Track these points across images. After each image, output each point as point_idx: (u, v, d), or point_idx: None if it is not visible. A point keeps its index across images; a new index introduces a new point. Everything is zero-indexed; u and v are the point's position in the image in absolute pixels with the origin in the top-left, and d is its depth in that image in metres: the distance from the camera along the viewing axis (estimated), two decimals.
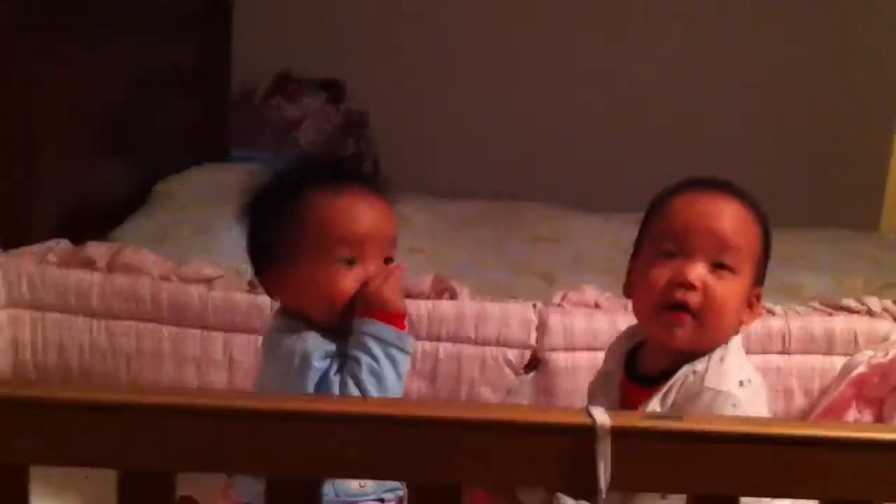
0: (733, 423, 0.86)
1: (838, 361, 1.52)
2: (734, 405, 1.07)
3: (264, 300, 1.48)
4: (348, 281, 1.13)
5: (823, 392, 1.51)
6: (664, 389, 1.12)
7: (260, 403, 0.80)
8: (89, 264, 1.49)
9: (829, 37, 3.55)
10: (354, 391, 1.07)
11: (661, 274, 1.14)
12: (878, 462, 0.78)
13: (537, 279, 2.30)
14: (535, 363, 1.53)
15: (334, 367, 1.10)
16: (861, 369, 1.45)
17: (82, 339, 1.48)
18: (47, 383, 1.33)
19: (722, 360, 1.12)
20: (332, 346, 1.11)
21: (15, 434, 0.74)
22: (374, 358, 1.08)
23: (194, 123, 3.11)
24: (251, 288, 1.51)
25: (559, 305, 1.56)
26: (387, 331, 1.11)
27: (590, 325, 1.53)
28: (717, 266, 1.13)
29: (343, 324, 1.13)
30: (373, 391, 1.07)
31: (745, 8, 3.52)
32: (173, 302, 1.49)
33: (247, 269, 1.32)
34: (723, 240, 1.13)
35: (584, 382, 1.39)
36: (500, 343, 1.53)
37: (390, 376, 1.09)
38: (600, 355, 1.43)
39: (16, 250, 1.50)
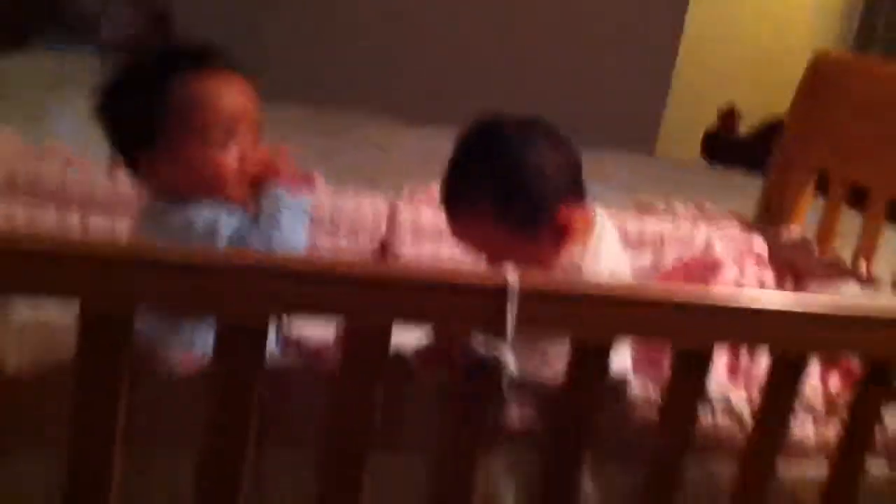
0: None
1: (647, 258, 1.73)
2: None
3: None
4: (228, 159, 1.19)
5: None
6: None
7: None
8: None
9: None
10: (277, 246, 1.14)
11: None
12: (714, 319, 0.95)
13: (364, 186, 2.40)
14: (384, 254, 1.65)
15: (245, 230, 1.15)
16: (668, 268, 1.67)
17: None
18: None
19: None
20: (230, 215, 1.17)
21: None
22: (288, 218, 1.16)
23: None
24: (109, 170, 1.53)
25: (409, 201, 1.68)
26: (296, 198, 1.19)
27: (437, 221, 1.65)
28: None
29: (227, 200, 1.19)
30: (295, 247, 1.15)
31: None
32: (31, 177, 1.48)
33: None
34: None
35: None
36: (353, 232, 1.63)
37: (301, 236, 1.17)
38: (445, 249, 1.57)
39: None
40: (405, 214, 1.65)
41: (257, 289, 0.83)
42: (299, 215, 1.17)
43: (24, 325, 1.04)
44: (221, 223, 1.14)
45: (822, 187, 1.85)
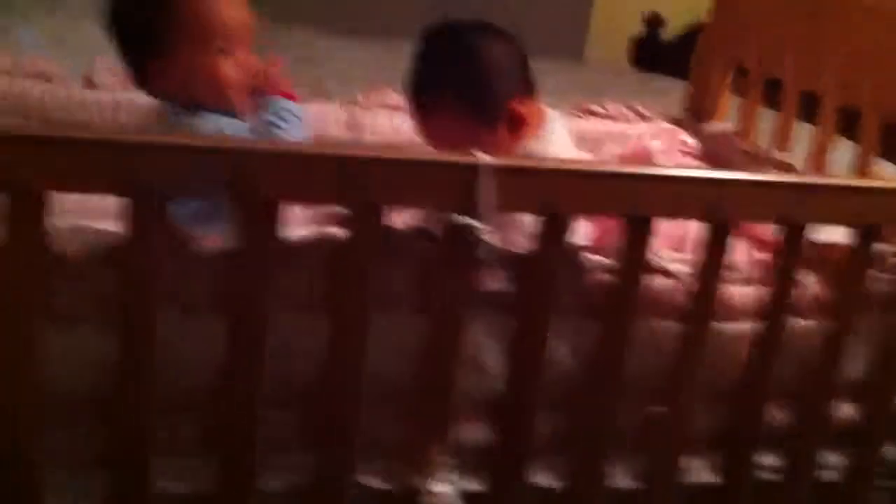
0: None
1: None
2: None
3: (101, 95, 1.61)
4: (229, 68, 1.31)
5: None
6: None
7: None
8: None
9: None
10: None
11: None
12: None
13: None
14: None
15: (249, 134, 1.28)
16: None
17: None
18: None
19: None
20: (238, 121, 1.30)
21: None
22: (289, 123, 1.29)
23: None
24: (88, 84, 1.62)
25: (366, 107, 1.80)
26: (296, 106, 1.33)
27: (395, 123, 1.79)
28: None
29: (229, 106, 1.31)
30: None
31: None
32: (16, 96, 1.57)
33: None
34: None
35: None
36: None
37: (301, 138, 1.30)
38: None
39: None
40: (364, 119, 1.77)
41: (268, 171, 0.97)
42: (295, 120, 1.30)
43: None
44: (225, 128, 1.27)
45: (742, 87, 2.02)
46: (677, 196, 1.11)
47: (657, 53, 4.27)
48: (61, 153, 0.90)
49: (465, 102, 1.39)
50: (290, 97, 1.35)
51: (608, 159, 1.81)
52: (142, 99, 1.59)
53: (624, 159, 1.81)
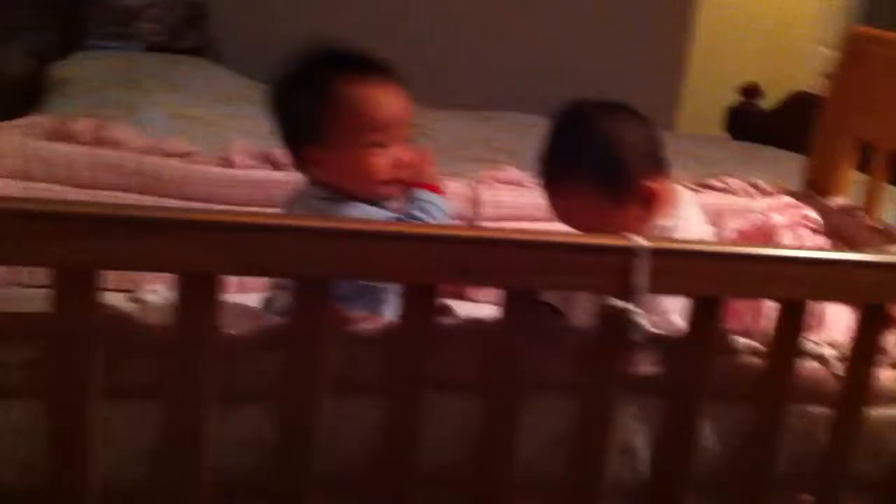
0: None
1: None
2: None
3: (238, 173, 1.66)
4: (382, 161, 1.34)
5: None
6: None
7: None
8: (74, 137, 1.59)
9: None
10: None
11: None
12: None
13: None
14: None
15: None
16: (732, 233, 1.82)
17: None
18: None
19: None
20: (383, 211, 1.32)
21: None
22: (431, 216, 1.32)
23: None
24: (225, 162, 1.68)
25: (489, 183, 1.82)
26: (440, 199, 1.35)
27: (515, 199, 1.80)
28: None
29: (376, 196, 1.34)
30: None
31: None
32: (155, 173, 1.62)
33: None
34: None
35: None
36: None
37: None
38: (525, 225, 1.72)
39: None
40: (487, 195, 1.79)
41: (428, 256, 0.98)
42: (440, 214, 1.33)
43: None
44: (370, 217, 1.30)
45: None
46: (832, 279, 1.09)
47: (754, 123, 4.24)
48: (243, 239, 0.92)
49: (598, 183, 1.40)
50: (435, 190, 1.37)
51: (730, 236, 1.79)
52: (276, 175, 1.65)
53: (746, 235, 1.79)
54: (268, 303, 1.40)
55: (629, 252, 1.02)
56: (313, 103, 1.33)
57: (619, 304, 1.03)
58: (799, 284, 1.08)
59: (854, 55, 2.00)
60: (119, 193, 1.60)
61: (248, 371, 1.01)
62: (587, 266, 1.03)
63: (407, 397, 1.03)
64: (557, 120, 1.45)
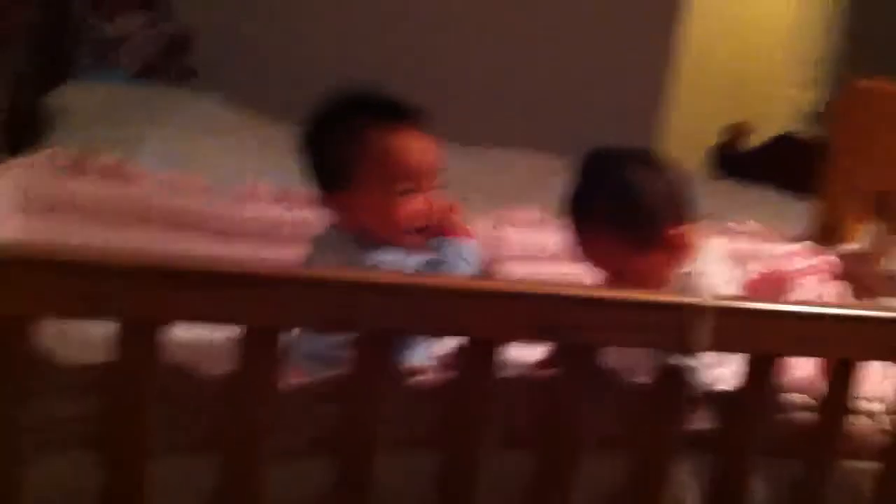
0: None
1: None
2: None
3: (258, 209, 1.64)
4: (410, 210, 1.32)
5: None
6: None
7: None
8: (98, 172, 1.56)
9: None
10: None
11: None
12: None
13: None
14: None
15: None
16: (752, 276, 1.82)
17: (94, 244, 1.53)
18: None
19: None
20: (408, 258, 1.31)
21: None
22: (455, 265, 1.31)
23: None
24: (242, 201, 1.65)
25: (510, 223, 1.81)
26: (468, 248, 1.34)
27: (537, 239, 1.79)
28: None
29: (401, 244, 1.33)
30: None
31: None
32: (179, 209, 1.59)
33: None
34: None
35: None
36: None
37: None
38: (545, 267, 1.72)
39: (23, 158, 1.54)
40: (511, 236, 1.78)
41: (498, 312, 0.96)
42: (463, 264, 1.32)
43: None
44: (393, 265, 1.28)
45: None
46: (886, 338, 1.09)
47: (739, 162, 4.27)
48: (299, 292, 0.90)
49: (621, 229, 1.40)
50: (465, 237, 1.36)
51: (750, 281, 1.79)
52: (292, 215, 1.62)
53: (767, 279, 1.80)
54: (292, 346, 1.37)
55: (691, 309, 1.01)
56: (345, 151, 1.32)
57: (680, 360, 1.02)
58: (854, 344, 1.08)
59: (854, 105, 2.02)
60: (142, 229, 1.56)
61: (306, 423, 0.98)
62: (650, 323, 1.01)
63: (465, 451, 1.01)
64: (583, 165, 1.45)
